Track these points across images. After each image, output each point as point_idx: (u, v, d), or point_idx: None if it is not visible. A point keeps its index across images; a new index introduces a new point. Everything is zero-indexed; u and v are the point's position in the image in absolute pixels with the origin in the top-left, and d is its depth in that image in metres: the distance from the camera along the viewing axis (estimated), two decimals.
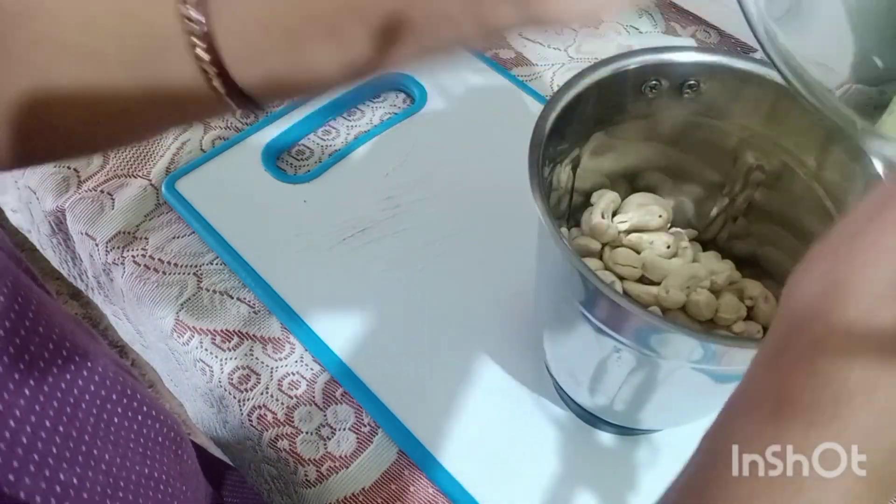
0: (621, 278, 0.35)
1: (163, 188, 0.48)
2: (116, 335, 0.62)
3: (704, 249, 0.39)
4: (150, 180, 0.50)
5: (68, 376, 0.26)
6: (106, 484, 0.26)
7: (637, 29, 0.63)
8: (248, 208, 0.48)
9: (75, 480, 0.24)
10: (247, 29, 0.24)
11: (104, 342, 0.32)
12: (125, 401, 0.29)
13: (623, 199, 0.38)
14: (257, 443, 0.41)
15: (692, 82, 0.32)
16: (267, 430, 0.40)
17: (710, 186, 0.38)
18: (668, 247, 0.36)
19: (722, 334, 0.33)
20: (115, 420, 0.28)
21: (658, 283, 0.35)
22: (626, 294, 0.34)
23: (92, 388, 0.27)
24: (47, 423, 0.24)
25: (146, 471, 0.29)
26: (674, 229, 0.39)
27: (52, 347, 0.26)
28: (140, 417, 0.30)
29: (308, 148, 0.52)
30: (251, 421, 0.41)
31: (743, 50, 0.60)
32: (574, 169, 0.35)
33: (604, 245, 0.37)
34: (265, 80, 0.26)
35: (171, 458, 0.31)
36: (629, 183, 0.38)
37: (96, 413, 0.27)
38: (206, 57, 0.24)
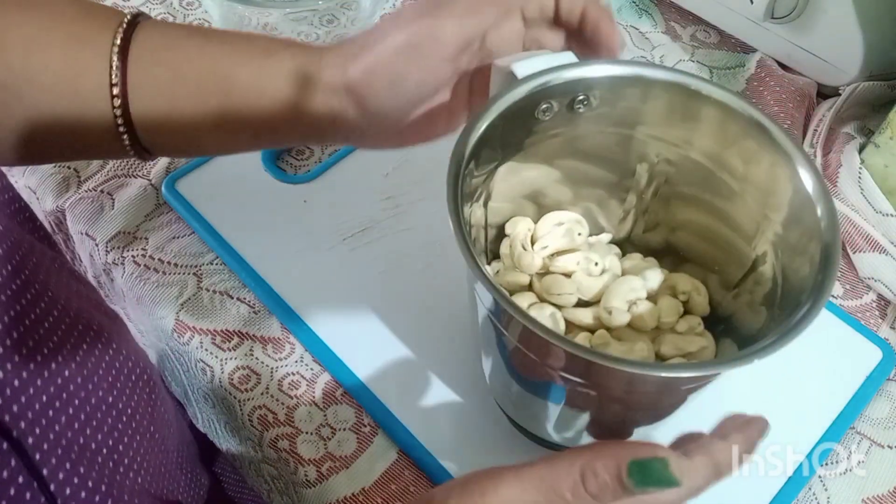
0: (557, 307, 0.35)
1: (163, 188, 0.48)
2: None
3: (622, 249, 0.39)
4: (150, 180, 0.50)
5: (28, 296, 0.28)
6: (58, 393, 0.27)
7: (637, 29, 0.63)
8: (248, 208, 0.48)
9: (16, 382, 0.25)
10: (156, 116, 0.33)
11: (83, 278, 0.34)
12: (92, 333, 0.30)
13: (535, 222, 0.37)
14: (257, 443, 0.41)
15: (581, 97, 0.32)
16: (267, 431, 0.40)
17: (609, 186, 0.37)
18: (596, 263, 0.35)
19: (661, 364, 0.33)
20: (83, 346, 0.30)
21: (596, 303, 0.35)
22: (567, 323, 0.34)
23: (55, 312, 0.29)
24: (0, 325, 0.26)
25: (110, 399, 0.30)
26: (591, 238, 0.39)
27: (33, 289, 0.28)
28: (112, 351, 0.31)
29: (308, 148, 0.52)
30: (251, 421, 0.41)
31: (743, 50, 0.60)
32: (486, 204, 0.35)
33: (531, 276, 0.36)
34: (162, 147, 0.35)
35: (141, 397, 0.32)
36: (534, 203, 0.38)
37: (60, 335, 0.28)
38: (125, 134, 0.33)
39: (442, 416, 0.40)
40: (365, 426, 0.40)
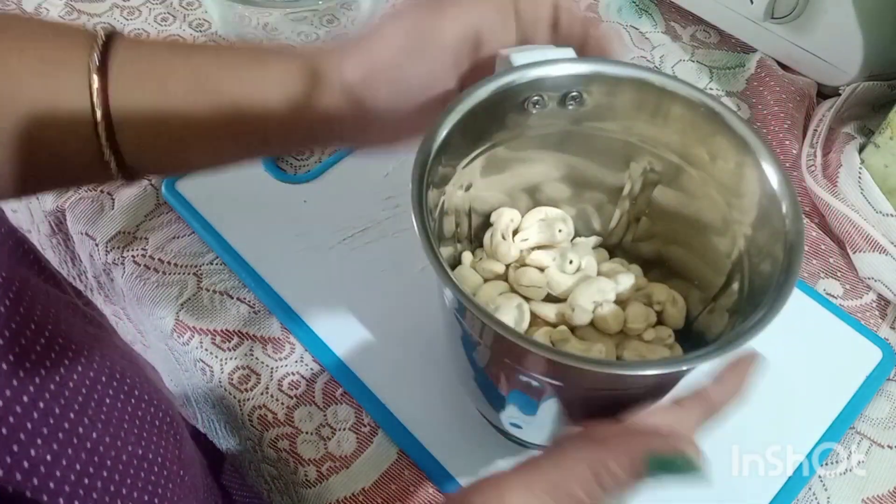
0: (527, 299, 0.35)
1: (163, 188, 0.48)
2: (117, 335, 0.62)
3: (611, 255, 0.39)
4: (149, 180, 0.50)
5: (52, 355, 0.26)
6: (89, 462, 0.26)
7: (637, 29, 0.63)
8: (248, 208, 0.48)
9: (49, 457, 0.24)
10: (143, 135, 0.32)
11: (102, 323, 0.33)
12: (115, 384, 0.29)
13: (524, 215, 0.37)
14: (257, 443, 0.41)
15: (574, 93, 0.32)
16: (267, 430, 0.40)
17: (610, 191, 0.37)
18: (571, 262, 0.35)
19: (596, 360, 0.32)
20: (107, 401, 0.28)
21: (565, 300, 0.35)
22: (533, 316, 0.34)
23: (79, 367, 0.27)
24: (24, 399, 0.24)
25: (140, 451, 0.29)
26: (578, 239, 0.39)
27: (42, 338, 0.26)
28: (134, 401, 0.30)
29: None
30: (251, 421, 0.41)
31: (743, 50, 0.60)
32: (467, 189, 0.35)
33: (507, 266, 0.36)
34: (150, 166, 0.34)
35: (169, 442, 0.31)
36: (530, 197, 0.38)
37: (85, 393, 0.27)
38: (110, 157, 0.32)
39: (442, 416, 0.40)
40: (365, 426, 0.40)
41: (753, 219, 0.31)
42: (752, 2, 0.54)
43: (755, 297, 0.29)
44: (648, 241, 0.38)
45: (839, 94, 0.54)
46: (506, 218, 0.36)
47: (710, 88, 0.59)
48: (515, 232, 0.37)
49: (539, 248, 0.36)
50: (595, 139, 0.35)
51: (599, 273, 0.37)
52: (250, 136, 0.33)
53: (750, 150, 0.30)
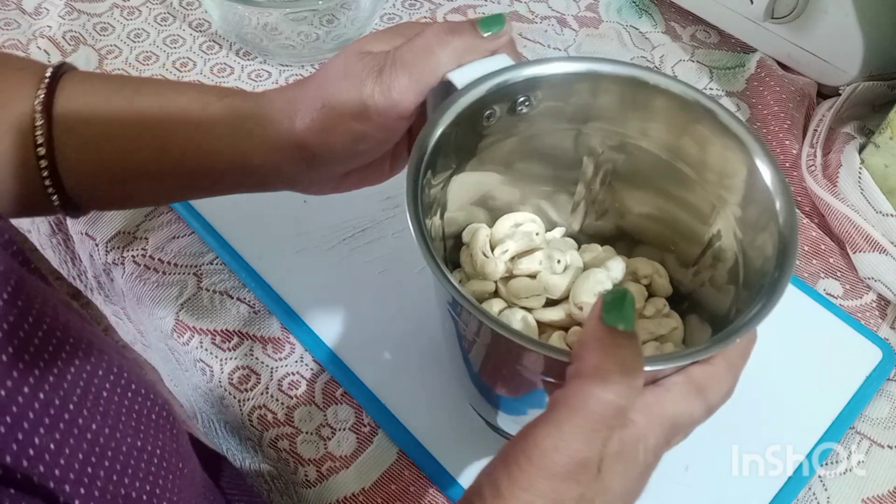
0: (528, 309, 0.35)
1: None
2: (116, 335, 0.62)
3: (576, 241, 0.39)
4: None
5: (50, 348, 0.27)
6: (90, 452, 0.26)
7: (637, 29, 0.63)
8: (248, 208, 0.48)
9: (52, 446, 0.25)
10: (87, 175, 0.32)
11: (89, 319, 0.33)
12: (112, 377, 0.29)
13: (492, 227, 0.37)
14: (257, 443, 0.41)
15: (522, 98, 0.32)
16: (267, 430, 0.40)
17: (557, 181, 0.37)
18: (559, 261, 0.35)
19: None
20: (105, 394, 0.29)
21: (561, 301, 0.35)
22: (539, 324, 0.34)
23: (77, 361, 0.28)
24: (25, 389, 0.24)
25: (139, 443, 0.29)
26: (547, 234, 0.38)
27: (40, 331, 0.27)
28: (130, 394, 0.30)
29: None
30: (251, 421, 0.41)
31: (743, 50, 0.60)
32: (442, 216, 0.35)
33: (495, 282, 0.36)
34: (93, 203, 0.34)
35: (166, 435, 0.32)
36: (483, 208, 0.38)
37: (83, 385, 0.27)
38: (54, 195, 0.32)
39: (442, 416, 0.40)
40: (365, 426, 0.40)
41: (740, 198, 0.31)
42: (752, 2, 0.54)
43: (756, 275, 0.29)
44: (604, 217, 0.38)
45: (839, 94, 0.54)
46: (482, 235, 0.36)
47: (710, 88, 0.59)
48: (492, 246, 0.36)
49: (520, 255, 0.36)
50: (550, 135, 0.35)
51: (585, 265, 0.37)
52: (198, 179, 0.34)
53: (701, 112, 0.31)
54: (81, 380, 0.27)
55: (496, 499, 0.23)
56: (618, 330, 0.23)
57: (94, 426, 0.27)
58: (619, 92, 0.33)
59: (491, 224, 0.37)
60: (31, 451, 0.24)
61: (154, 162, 0.33)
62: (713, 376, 0.26)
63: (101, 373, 0.29)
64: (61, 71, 0.33)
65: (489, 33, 0.31)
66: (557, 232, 0.39)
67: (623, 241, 0.38)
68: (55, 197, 0.32)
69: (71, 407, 0.26)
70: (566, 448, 0.23)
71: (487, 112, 0.32)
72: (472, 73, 0.31)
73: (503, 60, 0.32)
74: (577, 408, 0.23)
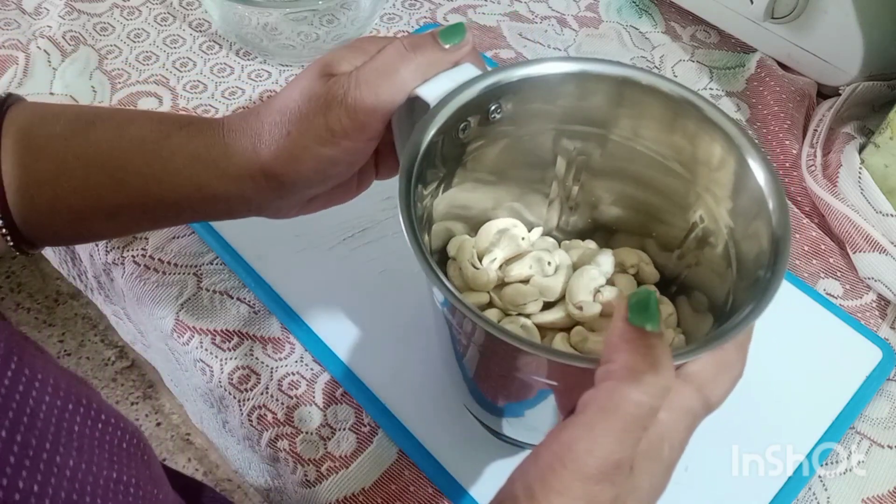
0: (527, 316, 0.35)
1: None
2: (116, 335, 0.62)
3: (555, 239, 0.39)
4: None
5: (21, 388, 0.26)
6: (71, 490, 0.26)
7: (637, 29, 0.63)
8: None
9: (36, 488, 0.24)
10: (39, 213, 0.31)
11: (51, 354, 0.33)
12: (82, 410, 0.29)
13: (472, 237, 0.37)
14: (257, 443, 0.41)
15: (494, 106, 0.32)
16: (267, 430, 0.40)
17: (528, 182, 0.37)
18: (549, 263, 0.35)
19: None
20: (76, 428, 0.28)
21: (556, 302, 0.35)
22: (539, 328, 0.34)
23: (47, 398, 0.27)
24: (3, 434, 0.24)
25: (114, 475, 0.29)
26: (532, 234, 0.38)
27: (9, 371, 0.26)
28: (101, 425, 0.30)
29: None
30: (251, 421, 0.41)
31: (743, 50, 0.60)
32: (429, 232, 0.35)
33: (488, 292, 0.36)
34: (49, 239, 0.34)
35: (138, 463, 0.31)
36: (460, 220, 0.37)
37: (55, 422, 0.27)
38: (6, 234, 0.32)
39: (442, 415, 0.40)
40: (365, 426, 0.40)
41: (729, 189, 0.31)
42: (752, 2, 0.54)
43: (749, 262, 0.29)
44: (576, 211, 0.38)
45: (839, 94, 0.54)
46: (468, 246, 0.36)
47: (710, 88, 0.59)
48: (479, 257, 0.36)
49: (509, 261, 0.36)
50: (522, 141, 0.35)
51: (573, 264, 0.37)
52: (160, 210, 0.33)
53: (708, 120, 0.31)
54: (53, 417, 0.27)
55: (530, 501, 0.23)
56: (646, 330, 0.23)
57: (71, 463, 0.27)
58: (589, 89, 0.33)
59: (471, 234, 0.37)
60: (18, 496, 0.24)
61: (113, 198, 0.32)
62: (724, 361, 0.26)
63: (70, 406, 0.28)
64: (7, 104, 0.32)
65: (450, 45, 0.31)
66: (536, 233, 0.39)
67: (599, 232, 0.38)
68: (8, 237, 0.32)
69: (47, 446, 0.26)
70: (600, 450, 0.23)
71: (462, 125, 0.31)
72: (440, 87, 0.30)
73: (469, 71, 0.31)
74: (609, 409, 0.23)
